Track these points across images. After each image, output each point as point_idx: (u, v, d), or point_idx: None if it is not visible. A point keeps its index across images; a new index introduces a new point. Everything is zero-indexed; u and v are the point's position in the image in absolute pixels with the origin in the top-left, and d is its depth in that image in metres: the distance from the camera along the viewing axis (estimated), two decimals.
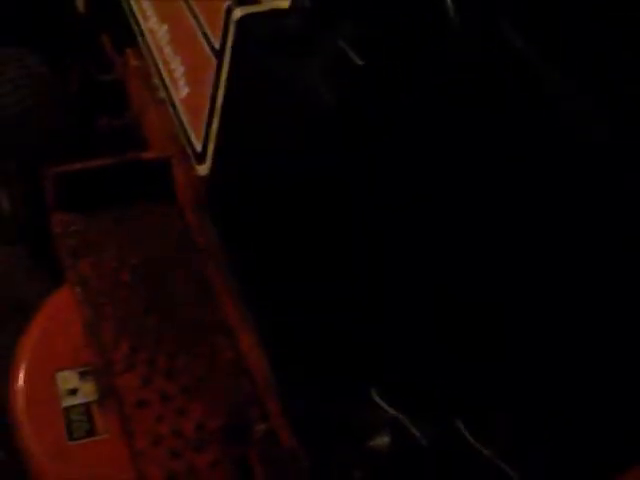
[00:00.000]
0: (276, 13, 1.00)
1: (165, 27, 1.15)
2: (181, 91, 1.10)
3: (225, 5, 1.01)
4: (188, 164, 1.14)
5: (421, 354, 0.93)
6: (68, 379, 1.24)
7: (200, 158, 1.07)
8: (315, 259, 0.94)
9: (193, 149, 1.08)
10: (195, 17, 1.08)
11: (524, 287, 0.85)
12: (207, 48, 1.05)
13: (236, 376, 1.12)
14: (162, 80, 1.14)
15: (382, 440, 0.97)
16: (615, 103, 0.79)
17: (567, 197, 0.79)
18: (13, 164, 1.34)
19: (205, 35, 1.06)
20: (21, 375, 1.23)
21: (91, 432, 1.19)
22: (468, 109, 0.84)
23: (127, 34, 1.28)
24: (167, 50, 1.14)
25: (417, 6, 0.87)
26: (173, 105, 1.12)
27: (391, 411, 0.96)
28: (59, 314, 1.29)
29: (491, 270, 0.86)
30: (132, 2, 1.22)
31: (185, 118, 1.10)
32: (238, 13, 1.00)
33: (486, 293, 0.87)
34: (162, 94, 1.14)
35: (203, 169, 1.07)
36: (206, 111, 1.04)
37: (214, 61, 1.04)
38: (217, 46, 1.03)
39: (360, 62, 0.90)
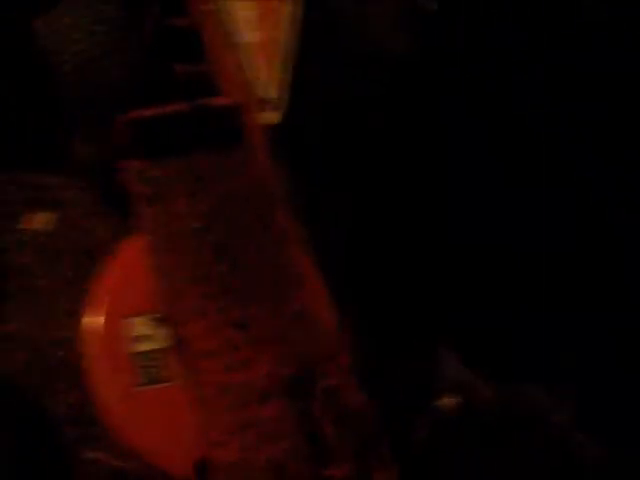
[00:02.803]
0: None
1: None
2: (253, 35, 1.07)
3: None
4: (261, 111, 1.12)
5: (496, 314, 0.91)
6: (141, 325, 1.25)
7: (272, 105, 1.05)
8: (385, 210, 0.92)
9: (266, 96, 1.06)
10: None
11: None
12: None
13: (305, 328, 1.11)
14: (234, 24, 1.12)
15: (449, 401, 0.95)
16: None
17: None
18: (88, 110, 1.33)
19: None
20: (93, 320, 1.25)
21: (162, 378, 1.20)
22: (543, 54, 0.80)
23: None
24: None
25: None
26: (245, 50, 1.09)
27: (461, 372, 0.94)
28: (133, 260, 1.29)
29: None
30: None
31: (258, 64, 1.07)
32: None
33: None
34: (235, 38, 1.12)
35: (275, 117, 1.05)
36: (279, 56, 1.01)
37: (288, 3, 1.01)
38: None
39: (434, 7, 0.87)
